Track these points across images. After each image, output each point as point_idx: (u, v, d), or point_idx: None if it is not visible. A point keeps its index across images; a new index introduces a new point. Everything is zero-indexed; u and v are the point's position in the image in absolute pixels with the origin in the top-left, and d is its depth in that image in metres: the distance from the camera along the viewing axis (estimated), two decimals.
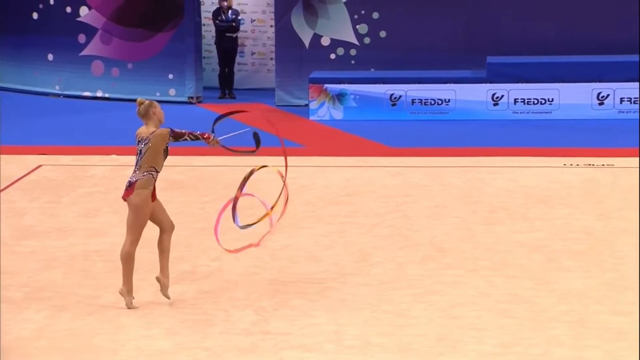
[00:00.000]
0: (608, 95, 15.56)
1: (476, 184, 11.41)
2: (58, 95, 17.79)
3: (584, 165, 12.21)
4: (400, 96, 15.95)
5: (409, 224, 9.83)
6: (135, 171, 7.86)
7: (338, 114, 15.92)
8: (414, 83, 16.00)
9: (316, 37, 17.08)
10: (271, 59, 18.29)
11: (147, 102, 8.10)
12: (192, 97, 17.40)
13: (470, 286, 8.03)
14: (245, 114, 8.70)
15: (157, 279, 7.85)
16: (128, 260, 7.76)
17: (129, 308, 7.71)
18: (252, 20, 18.66)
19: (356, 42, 16.98)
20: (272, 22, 17.91)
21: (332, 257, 8.84)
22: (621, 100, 15.55)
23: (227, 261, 8.77)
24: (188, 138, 7.95)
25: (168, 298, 7.82)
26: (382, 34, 16.90)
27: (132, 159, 12.66)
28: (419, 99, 15.92)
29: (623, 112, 15.55)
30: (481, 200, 10.70)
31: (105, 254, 9.03)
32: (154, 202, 7.88)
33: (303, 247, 9.12)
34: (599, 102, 15.61)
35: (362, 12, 16.93)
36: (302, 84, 16.91)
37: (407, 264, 8.63)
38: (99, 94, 17.54)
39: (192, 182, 11.69)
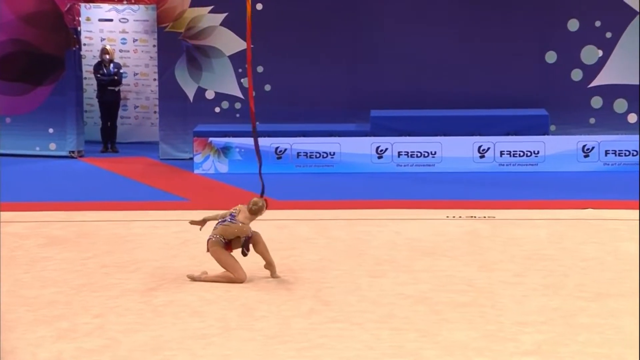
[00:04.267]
0: (488, 148, 15.96)
1: (361, 237, 11.53)
2: None
3: (466, 217, 12.46)
4: (285, 149, 16.06)
5: (294, 277, 9.86)
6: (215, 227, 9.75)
7: (223, 167, 15.93)
8: (299, 136, 16.14)
9: (200, 91, 17.11)
10: (155, 112, 18.24)
11: (261, 204, 9.72)
12: (73, 151, 17.20)
13: (356, 339, 8.08)
14: None
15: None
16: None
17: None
18: (135, 74, 18.60)
19: (241, 96, 17.06)
20: (156, 76, 17.89)
21: (216, 312, 8.80)
22: (501, 153, 15.97)
23: (109, 318, 8.65)
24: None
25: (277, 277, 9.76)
26: (267, 87, 17.03)
27: (7, 214, 12.46)
28: (304, 152, 16.06)
29: (503, 165, 15.96)
30: (366, 253, 10.80)
31: None
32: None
33: (187, 303, 9.06)
34: (479, 155, 16.00)
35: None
36: (186, 137, 16.89)
37: (292, 317, 8.64)
38: None
39: (73, 237, 11.51)
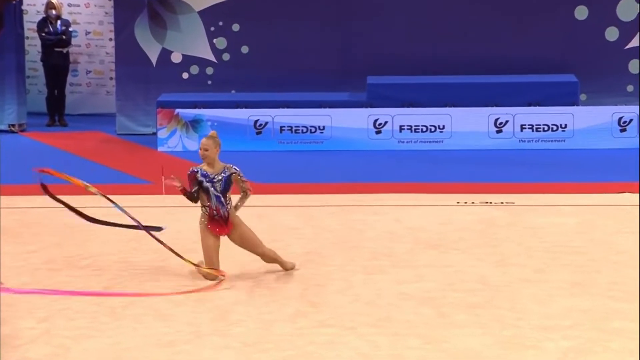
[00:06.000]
0: (507, 121, 16.05)
1: (355, 226, 11.61)
2: None
3: (480, 203, 12.54)
4: (266, 123, 16.12)
5: (276, 274, 9.94)
6: None
7: (192, 144, 15.98)
8: (283, 107, 16.20)
9: (165, 53, 17.15)
10: (111, 78, 18.27)
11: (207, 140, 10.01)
12: (13, 125, 17.23)
13: (348, 346, 8.17)
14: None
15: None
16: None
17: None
18: (87, 33, 18.62)
19: (213, 59, 17.11)
20: (112, 35, 17.91)
21: (185, 315, 8.87)
22: (522, 127, 16.06)
23: (58, 322, 8.72)
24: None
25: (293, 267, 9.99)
26: (244, 49, 17.08)
27: None
28: (288, 126, 16.12)
29: (524, 141, 16.05)
30: (361, 245, 10.89)
31: None
32: (218, 234, 9.80)
33: (150, 304, 9.13)
34: (496, 129, 16.08)
35: (220, 23, 17.08)
36: (148, 108, 16.93)
37: (274, 321, 8.73)
38: None
39: (14, 227, 11.57)
